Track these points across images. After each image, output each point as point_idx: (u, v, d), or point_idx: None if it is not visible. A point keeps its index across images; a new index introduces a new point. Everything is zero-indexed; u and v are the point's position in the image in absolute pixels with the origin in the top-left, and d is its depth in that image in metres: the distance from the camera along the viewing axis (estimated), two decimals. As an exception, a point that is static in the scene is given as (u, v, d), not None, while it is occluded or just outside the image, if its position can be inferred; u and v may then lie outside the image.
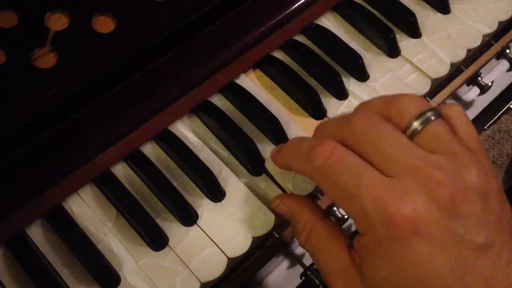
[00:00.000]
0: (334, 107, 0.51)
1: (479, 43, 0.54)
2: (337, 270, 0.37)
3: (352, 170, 0.35)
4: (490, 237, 0.33)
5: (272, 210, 0.45)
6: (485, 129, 0.74)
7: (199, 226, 0.44)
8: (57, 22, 0.46)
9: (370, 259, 0.35)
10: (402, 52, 0.53)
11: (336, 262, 0.38)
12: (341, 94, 0.51)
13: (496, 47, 0.58)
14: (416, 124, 0.36)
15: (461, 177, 0.34)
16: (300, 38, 0.54)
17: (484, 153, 0.38)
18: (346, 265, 0.37)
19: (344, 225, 0.52)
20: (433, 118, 0.36)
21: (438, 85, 0.54)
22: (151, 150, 0.47)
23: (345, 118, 0.39)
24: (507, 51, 0.61)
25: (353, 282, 0.36)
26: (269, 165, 0.47)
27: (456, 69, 0.55)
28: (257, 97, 0.49)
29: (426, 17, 0.56)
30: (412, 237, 0.33)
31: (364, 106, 0.40)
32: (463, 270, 0.32)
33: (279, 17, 0.50)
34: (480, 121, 0.70)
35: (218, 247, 0.43)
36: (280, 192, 0.46)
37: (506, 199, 0.36)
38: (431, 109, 0.37)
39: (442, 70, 0.52)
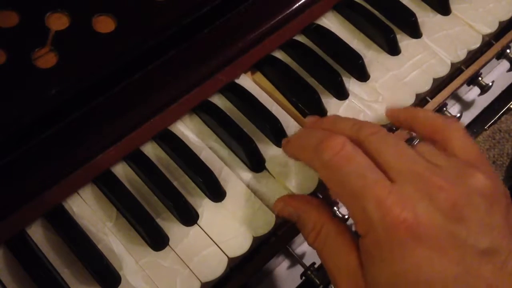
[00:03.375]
0: (334, 107, 0.50)
1: (479, 44, 0.54)
2: (344, 270, 0.37)
3: (358, 170, 0.36)
4: (495, 242, 0.33)
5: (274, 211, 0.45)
6: (485, 129, 0.73)
7: (199, 226, 0.44)
8: (58, 22, 0.46)
9: (371, 263, 0.35)
10: (403, 52, 0.53)
11: (343, 262, 0.38)
12: (341, 94, 0.51)
13: (496, 47, 0.58)
14: None
15: (464, 182, 0.35)
16: (300, 38, 0.54)
17: (486, 161, 0.38)
18: (353, 265, 0.37)
19: (345, 225, 0.51)
20: (415, 143, 0.39)
21: (438, 85, 0.54)
22: (151, 150, 0.47)
23: (354, 126, 0.39)
24: (508, 51, 0.61)
25: (358, 284, 0.36)
26: (270, 165, 0.47)
27: (456, 69, 0.55)
28: (257, 96, 0.49)
29: (427, 17, 0.56)
30: (413, 242, 0.33)
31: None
32: (466, 275, 0.32)
33: (279, 17, 0.50)
34: (480, 121, 0.70)
35: (219, 247, 0.43)
36: (281, 191, 0.46)
37: None
38: (412, 138, 0.39)
39: (443, 70, 0.52)
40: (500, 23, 0.56)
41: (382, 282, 0.34)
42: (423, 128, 0.41)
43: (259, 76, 0.52)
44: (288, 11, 0.51)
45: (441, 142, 0.39)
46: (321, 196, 0.48)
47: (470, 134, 0.40)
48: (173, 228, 0.44)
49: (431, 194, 0.34)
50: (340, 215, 0.50)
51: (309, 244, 0.41)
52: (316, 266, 0.52)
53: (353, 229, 0.53)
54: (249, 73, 0.52)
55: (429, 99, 0.55)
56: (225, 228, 0.44)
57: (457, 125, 0.40)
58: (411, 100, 0.51)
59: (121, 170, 0.46)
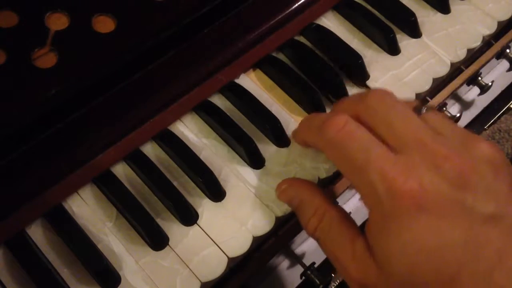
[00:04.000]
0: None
1: (479, 43, 0.54)
2: (351, 256, 0.37)
3: (361, 145, 0.36)
4: (501, 207, 0.33)
5: (275, 205, 0.45)
6: (485, 129, 0.74)
7: (199, 226, 0.44)
8: (57, 22, 0.46)
9: (380, 236, 0.35)
10: (402, 52, 0.53)
11: (350, 248, 0.38)
12: (341, 94, 0.51)
13: (496, 47, 0.58)
14: None
15: (469, 150, 0.35)
16: (300, 38, 0.54)
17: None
18: (360, 250, 0.37)
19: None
20: (424, 110, 0.39)
21: (438, 84, 0.54)
22: (151, 150, 0.47)
23: (360, 95, 0.40)
24: (507, 51, 0.61)
25: (368, 267, 0.36)
26: (270, 165, 0.47)
27: (456, 69, 0.55)
28: (257, 96, 0.49)
29: (426, 16, 0.56)
30: (419, 211, 0.33)
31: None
32: (475, 241, 0.32)
33: (279, 17, 0.50)
34: (480, 121, 0.70)
35: (218, 247, 0.43)
36: (280, 191, 0.46)
37: None
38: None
39: (442, 70, 0.52)
40: (500, 23, 0.56)
41: (392, 253, 0.34)
42: None
43: (259, 75, 0.52)
44: (288, 11, 0.51)
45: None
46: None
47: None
48: (173, 228, 0.44)
49: (436, 164, 0.34)
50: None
51: (309, 233, 0.40)
52: (316, 266, 0.52)
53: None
54: (249, 72, 0.52)
55: (429, 99, 0.55)
56: (225, 228, 0.44)
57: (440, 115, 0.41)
58: (411, 100, 0.51)
59: (121, 170, 0.46)
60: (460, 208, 0.33)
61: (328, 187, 0.48)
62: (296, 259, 0.53)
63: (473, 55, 0.56)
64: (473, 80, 0.60)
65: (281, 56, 0.53)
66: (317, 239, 0.40)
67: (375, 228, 0.36)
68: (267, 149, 0.48)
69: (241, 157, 0.47)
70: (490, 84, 0.61)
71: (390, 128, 0.36)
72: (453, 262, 0.32)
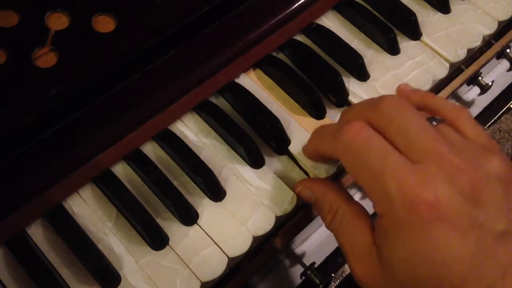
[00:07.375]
0: (334, 107, 0.50)
1: (479, 43, 0.54)
2: (358, 250, 0.38)
3: (379, 151, 0.36)
4: (510, 225, 0.34)
5: (275, 204, 0.45)
6: (485, 129, 0.74)
7: (199, 226, 0.44)
8: (58, 21, 0.46)
9: (388, 241, 0.35)
10: (403, 52, 0.53)
11: (357, 242, 0.38)
12: (341, 94, 0.51)
13: (496, 47, 0.58)
14: None
15: (483, 166, 0.35)
16: (300, 37, 0.54)
17: (498, 147, 0.39)
18: (367, 246, 0.37)
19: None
20: (435, 124, 0.38)
21: (438, 84, 0.54)
22: (151, 149, 0.47)
23: (372, 101, 0.40)
24: (508, 50, 0.61)
25: (372, 263, 0.37)
26: (270, 165, 0.47)
27: (456, 69, 0.55)
28: (257, 96, 0.49)
29: (427, 16, 0.56)
30: (433, 222, 0.33)
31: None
32: (481, 256, 0.33)
33: (279, 17, 0.50)
34: (480, 120, 0.70)
35: (219, 247, 0.43)
36: (282, 191, 0.46)
37: None
38: (432, 118, 0.39)
39: (443, 70, 0.52)
40: (500, 22, 0.56)
41: (398, 260, 0.34)
42: (433, 113, 0.41)
43: (259, 75, 0.52)
44: (288, 11, 0.51)
45: (453, 127, 0.39)
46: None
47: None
48: (173, 228, 0.44)
49: (452, 176, 0.34)
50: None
51: (326, 227, 0.41)
52: (316, 266, 0.52)
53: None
54: (249, 72, 0.52)
55: (429, 99, 0.55)
56: (225, 228, 0.44)
57: (466, 112, 0.41)
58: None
59: (121, 170, 0.46)
60: (471, 223, 0.33)
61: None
62: (296, 259, 0.53)
63: (473, 55, 0.56)
64: (473, 80, 0.60)
65: (281, 56, 0.53)
66: (332, 232, 0.41)
67: (385, 233, 0.36)
68: (267, 149, 0.48)
69: (241, 157, 0.47)
70: (490, 84, 0.61)
71: (407, 138, 0.36)
72: (457, 275, 0.33)
